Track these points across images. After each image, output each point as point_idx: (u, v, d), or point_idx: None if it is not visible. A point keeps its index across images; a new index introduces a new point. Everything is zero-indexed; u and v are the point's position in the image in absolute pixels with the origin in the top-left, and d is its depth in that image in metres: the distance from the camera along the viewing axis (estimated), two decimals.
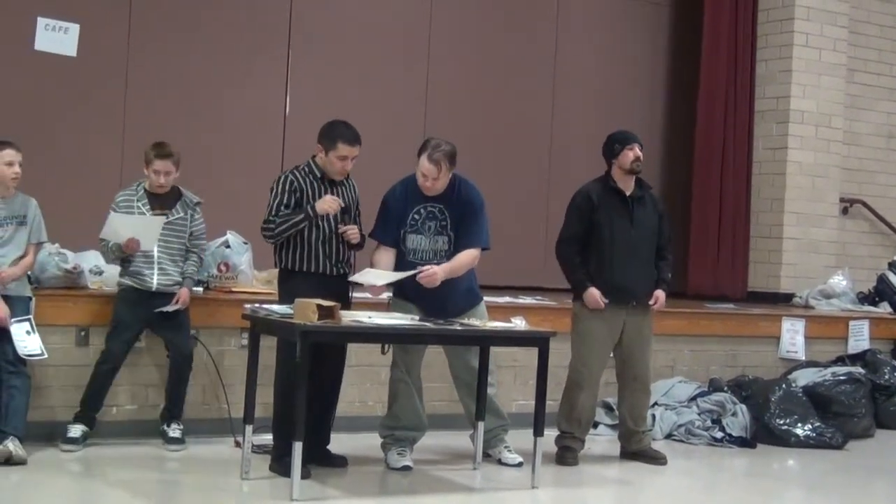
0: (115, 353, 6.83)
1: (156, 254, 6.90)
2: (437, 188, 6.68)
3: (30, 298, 6.66)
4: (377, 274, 6.52)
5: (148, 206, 6.93)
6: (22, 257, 6.61)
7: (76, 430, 6.75)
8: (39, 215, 6.70)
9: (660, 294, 7.37)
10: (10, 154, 6.53)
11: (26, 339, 6.38)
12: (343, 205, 6.52)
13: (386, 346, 6.77)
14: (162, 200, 6.98)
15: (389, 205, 6.73)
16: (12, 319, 6.39)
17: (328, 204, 6.44)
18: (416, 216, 6.70)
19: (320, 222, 6.49)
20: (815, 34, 11.34)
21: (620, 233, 7.19)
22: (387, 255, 6.70)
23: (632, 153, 7.23)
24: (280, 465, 6.27)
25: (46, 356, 6.50)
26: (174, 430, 6.98)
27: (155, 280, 6.90)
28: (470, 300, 6.88)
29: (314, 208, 6.42)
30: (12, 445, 6.21)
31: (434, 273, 6.49)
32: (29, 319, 6.48)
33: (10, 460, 6.17)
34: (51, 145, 8.19)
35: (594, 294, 7.16)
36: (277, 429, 6.41)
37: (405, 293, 6.70)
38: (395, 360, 6.85)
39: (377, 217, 6.79)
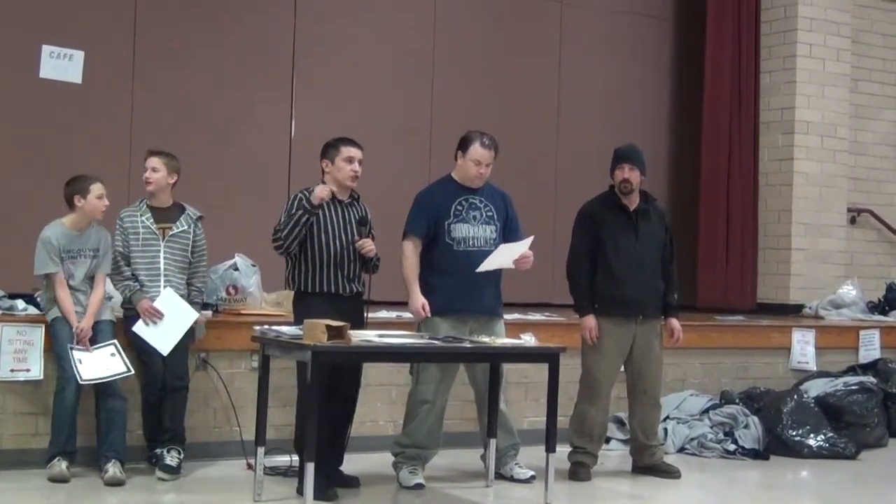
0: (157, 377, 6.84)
1: (162, 266, 6.88)
2: (486, 176, 6.85)
3: (112, 322, 6.77)
4: (503, 255, 6.68)
5: (152, 220, 6.93)
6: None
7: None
8: (110, 247, 6.81)
9: (675, 326, 7.39)
10: (99, 187, 6.71)
11: (110, 361, 6.53)
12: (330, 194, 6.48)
13: (413, 365, 6.78)
14: (166, 214, 6.99)
15: (425, 201, 6.83)
16: (94, 346, 6.55)
17: (322, 191, 6.41)
18: (459, 207, 6.82)
19: (334, 242, 6.47)
20: (818, 45, 11.34)
21: (625, 247, 7.19)
22: (418, 249, 6.76)
23: (619, 174, 7.23)
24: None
25: (132, 372, 6.62)
26: (171, 458, 6.69)
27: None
28: (500, 304, 7.01)
29: (310, 200, 6.40)
30: (112, 468, 6.37)
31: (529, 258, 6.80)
32: (113, 343, 6.63)
33: (114, 481, 6.35)
34: (57, 172, 8.20)
35: (589, 325, 7.18)
36: (299, 450, 6.37)
37: (453, 298, 6.70)
38: (421, 379, 6.81)
39: (411, 215, 6.83)
